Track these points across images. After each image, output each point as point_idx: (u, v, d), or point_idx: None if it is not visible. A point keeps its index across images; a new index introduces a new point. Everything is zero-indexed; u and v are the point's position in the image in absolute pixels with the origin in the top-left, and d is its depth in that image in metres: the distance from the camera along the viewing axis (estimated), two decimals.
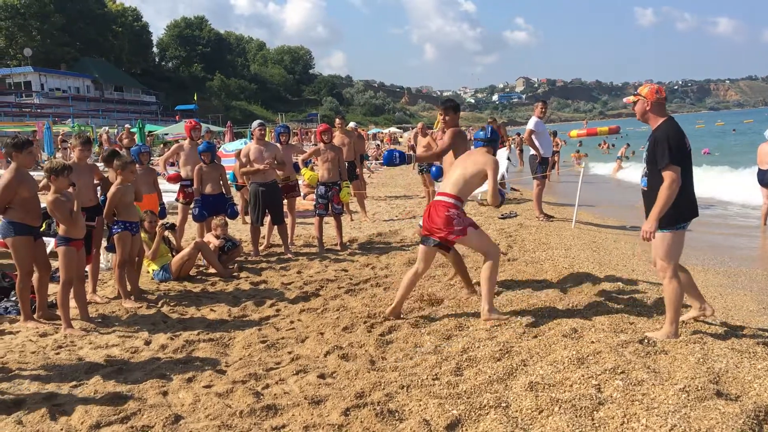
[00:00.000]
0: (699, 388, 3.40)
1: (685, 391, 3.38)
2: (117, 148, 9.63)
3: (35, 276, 5.94)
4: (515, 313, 5.24)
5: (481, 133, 5.65)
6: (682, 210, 4.48)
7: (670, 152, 4.38)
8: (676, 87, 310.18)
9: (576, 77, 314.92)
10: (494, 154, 5.55)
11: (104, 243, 7.14)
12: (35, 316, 5.97)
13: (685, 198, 4.47)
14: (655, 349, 4.17)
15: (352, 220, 11.72)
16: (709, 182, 16.06)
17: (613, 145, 33.35)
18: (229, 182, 9.39)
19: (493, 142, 5.58)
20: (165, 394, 4.18)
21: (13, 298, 6.43)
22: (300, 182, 10.10)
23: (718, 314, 5.07)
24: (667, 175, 4.38)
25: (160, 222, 7.85)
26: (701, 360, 3.84)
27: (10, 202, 5.57)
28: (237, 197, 11.43)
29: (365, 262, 8.09)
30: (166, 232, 7.80)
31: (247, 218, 9.89)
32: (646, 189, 4.64)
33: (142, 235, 7.13)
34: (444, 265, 7.38)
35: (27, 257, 5.72)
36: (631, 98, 4.76)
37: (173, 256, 7.70)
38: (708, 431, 3.01)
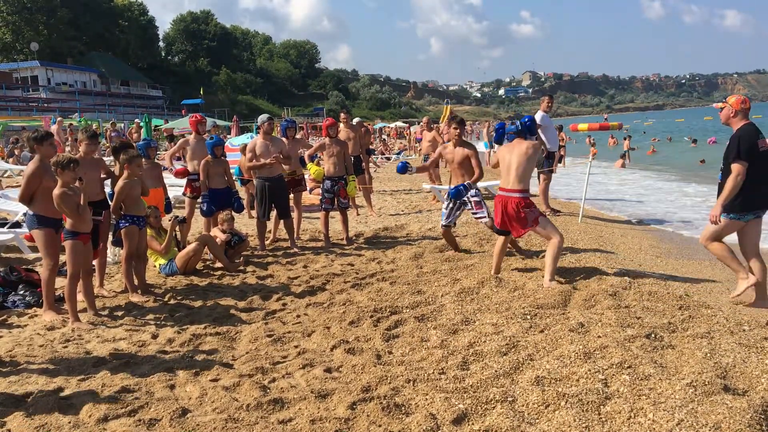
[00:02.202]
0: (706, 383, 3.39)
1: (692, 386, 3.37)
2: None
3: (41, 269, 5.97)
4: (521, 310, 5.24)
5: (512, 127, 6.52)
6: (745, 201, 5.30)
7: (738, 149, 5.19)
8: (683, 81, 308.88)
9: (583, 71, 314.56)
10: (533, 139, 6.47)
11: (110, 237, 7.16)
12: (41, 309, 6.00)
13: (750, 191, 5.25)
14: (662, 343, 4.15)
15: (358, 214, 11.71)
16: None
17: (625, 139, 33.22)
18: (234, 177, 9.39)
19: (523, 132, 6.37)
20: (172, 387, 4.20)
21: (21, 292, 6.47)
22: (306, 177, 10.10)
23: (725, 309, 5.05)
24: (734, 168, 5.19)
25: (168, 216, 7.86)
26: (708, 355, 3.83)
27: (35, 192, 5.74)
28: (242, 192, 11.44)
29: (371, 256, 8.08)
30: (177, 227, 7.82)
31: (253, 213, 9.90)
32: (720, 182, 5.41)
33: (148, 230, 7.14)
34: (450, 260, 7.37)
35: (51, 248, 5.80)
36: (720, 104, 5.50)
37: (179, 250, 7.71)
38: (715, 426, 3.00)
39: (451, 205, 7.46)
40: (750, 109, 5.44)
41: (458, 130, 7.42)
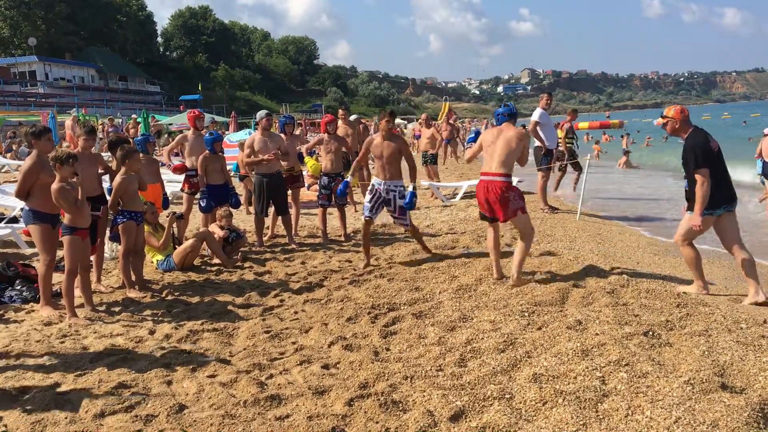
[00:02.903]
0: (704, 381, 3.39)
1: (689, 384, 3.37)
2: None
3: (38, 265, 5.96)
4: (519, 307, 5.24)
5: (504, 108, 6.38)
6: (714, 200, 5.40)
7: (696, 159, 5.36)
8: (682, 79, 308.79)
9: (581, 69, 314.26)
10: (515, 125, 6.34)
11: (107, 233, 7.14)
12: (38, 305, 5.99)
13: (717, 190, 5.38)
14: (660, 341, 4.16)
15: (356, 210, 11.70)
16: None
17: (622, 137, 33.19)
18: (231, 173, 9.37)
19: (514, 116, 6.33)
20: (169, 383, 4.20)
21: (18, 287, 6.45)
22: (304, 173, 10.08)
23: (723, 307, 5.05)
24: (698, 178, 5.36)
25: (165, 212, 7.84)
26: (706, 352, 3.83)
27: (32, 188, 5.72)
28: (240, 188, 11.42)
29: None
30: (175, 223, 7.81)
31: (251, 209, 9.88)
32: (687, 189, 5.60)
33: (145, 226, 7.13)
34: (448, 257, 7.37)
35: (48, 243, 5.79)
36: (661, 120, 5.67)
37: (176, 246, 7.70)
38: (713, 424, 3.00)
39: (375, 198, 7.24)
40: (689, 115, 5.63)
41: (390, 123, 7.26)
